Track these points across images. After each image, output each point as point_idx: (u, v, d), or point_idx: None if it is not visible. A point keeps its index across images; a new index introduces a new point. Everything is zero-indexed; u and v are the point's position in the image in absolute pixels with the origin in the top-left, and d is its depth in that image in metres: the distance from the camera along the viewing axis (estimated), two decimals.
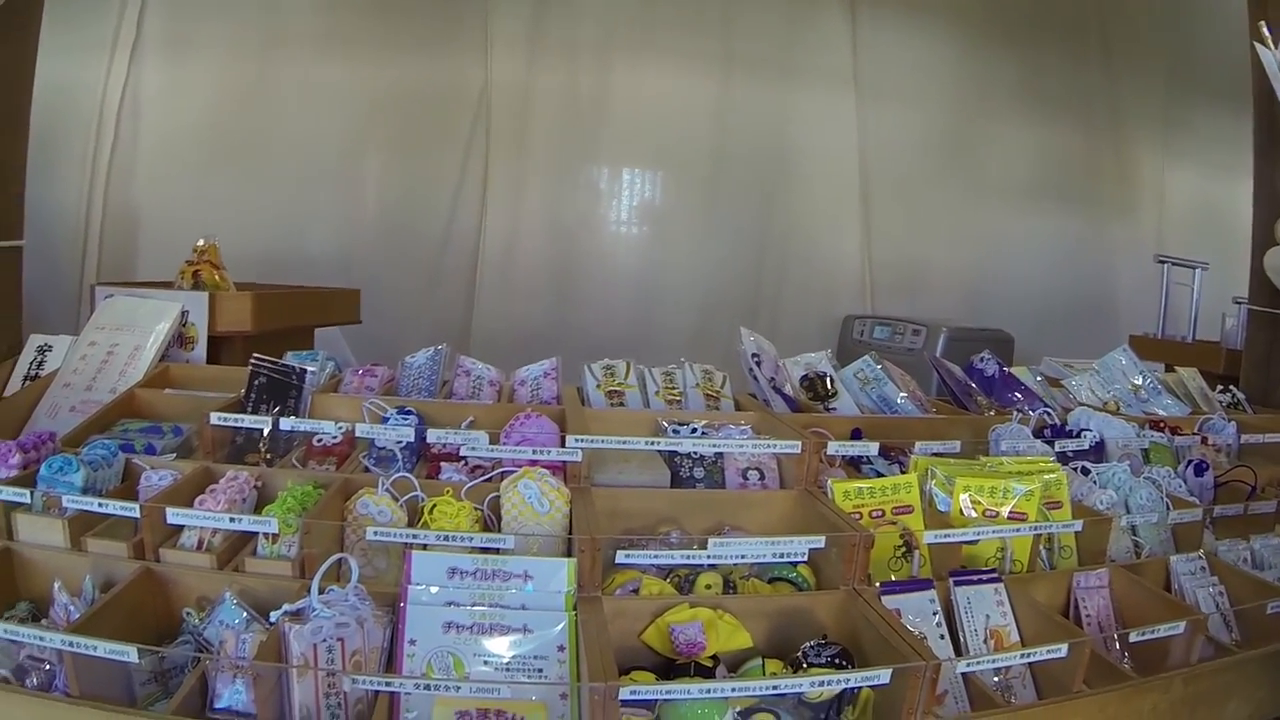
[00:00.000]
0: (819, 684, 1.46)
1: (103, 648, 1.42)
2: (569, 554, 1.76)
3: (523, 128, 5.44)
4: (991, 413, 2.69)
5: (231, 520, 1.76)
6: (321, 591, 1.50)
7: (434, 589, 1.59)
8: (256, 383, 2.27)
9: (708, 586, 1.82)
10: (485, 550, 1.73)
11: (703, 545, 1.76)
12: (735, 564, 1.84)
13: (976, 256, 5.77)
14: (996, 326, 4.99)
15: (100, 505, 1.79)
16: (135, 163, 4.90)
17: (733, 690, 1.46)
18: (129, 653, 1.41)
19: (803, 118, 5.54)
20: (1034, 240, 5.83)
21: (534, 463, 2.02)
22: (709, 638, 1.61)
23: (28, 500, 1.83)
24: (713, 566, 1.82)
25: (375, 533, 1.75)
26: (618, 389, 2.58)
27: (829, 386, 2.72)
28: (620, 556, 1.76)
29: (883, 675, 1.47)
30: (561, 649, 1.56)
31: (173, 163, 4.91)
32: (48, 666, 1.52)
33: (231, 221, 4.42)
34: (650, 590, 1.76)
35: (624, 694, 1.37)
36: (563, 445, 2.07)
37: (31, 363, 2.79)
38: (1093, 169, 5.93)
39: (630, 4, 5.35)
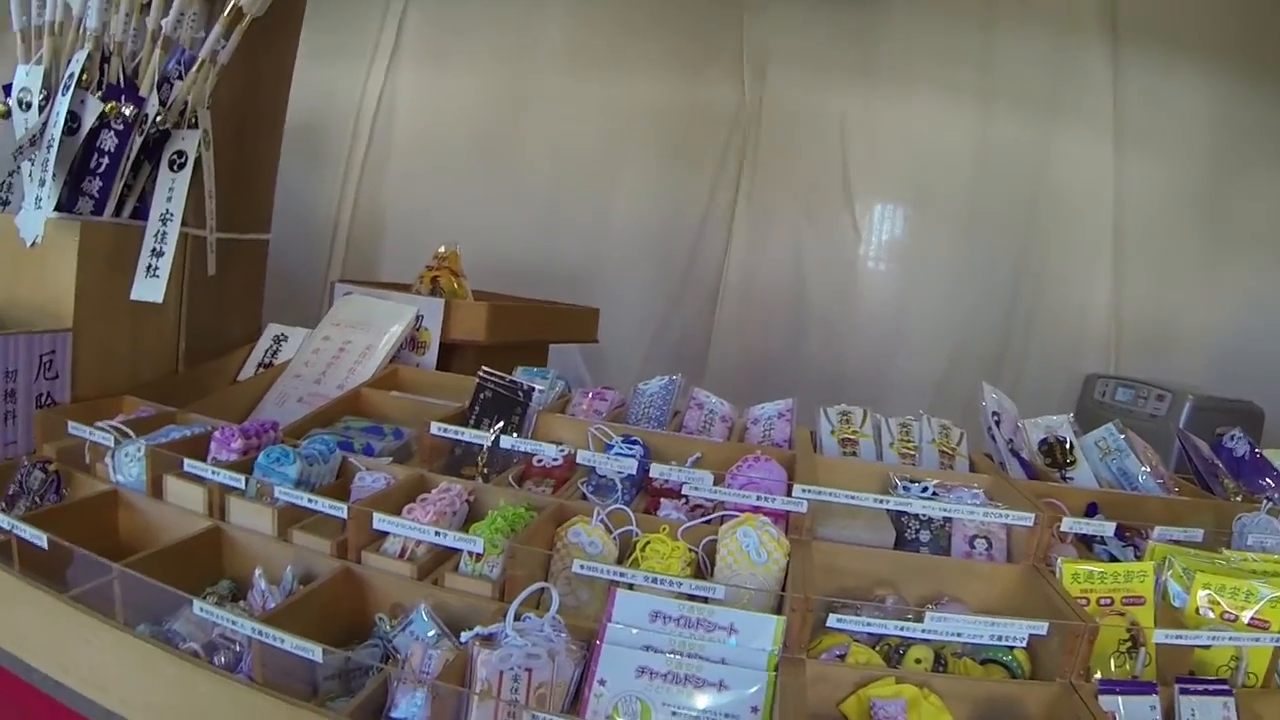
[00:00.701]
0: None
1: (290, 642, 1.38)
2: (779, 609, 1.64)
3: (775, 150, 5.30)
4: (1238, 498, 2.42)
5: (437, 535, 1.70)
6: (518, 618, 1.43)
7: (634, 630, 1.49)
8: (482, 396, 2.23)
9: (917, 661, 1.66)
10: (693, 597, 1.62)
11: (918, 617, 1.60)
12: (949, 641, 1.68)
13: (1230, 318, 5.23)
14: (1247, 397, 4.57)
15: (310, 501, 1.77)
16: (387, 167, 5.07)
17: None
18: (314, 651, 1.37)
19: (1059, 160, 5.18)
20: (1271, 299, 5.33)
21: (757, 509, 1.90)
22: (910, 718, 1.46)
23: (242, 486, 1.84)
24: (926, 640, 1.67)
25: (582, 566, 1.65)
26: (852, 437, 2.44)
27: (1068, 453, 2.52)
28: (832, 620, 1.62)
29: None
30: (755, 710, 1.44)
31: (423, 168, 5.05)
32: (237, 648, 1.50)
33: (478, 229, 4.54)
34: (857, 659, 1.62)
35: None
36: (789, 494, 1.94)
37: (267, 351, 2.87)
38: None
39: (890, 30, 5.15)
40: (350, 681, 1.52)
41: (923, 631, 1.59)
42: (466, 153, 5.02)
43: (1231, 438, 2.66)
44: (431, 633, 1.55)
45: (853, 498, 1.94)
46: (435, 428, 2.11)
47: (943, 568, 1.96)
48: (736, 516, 1.82)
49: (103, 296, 2.39)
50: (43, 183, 2.20)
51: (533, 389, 2.30)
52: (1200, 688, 1.59)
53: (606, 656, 1.46)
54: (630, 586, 1.63)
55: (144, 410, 2.31)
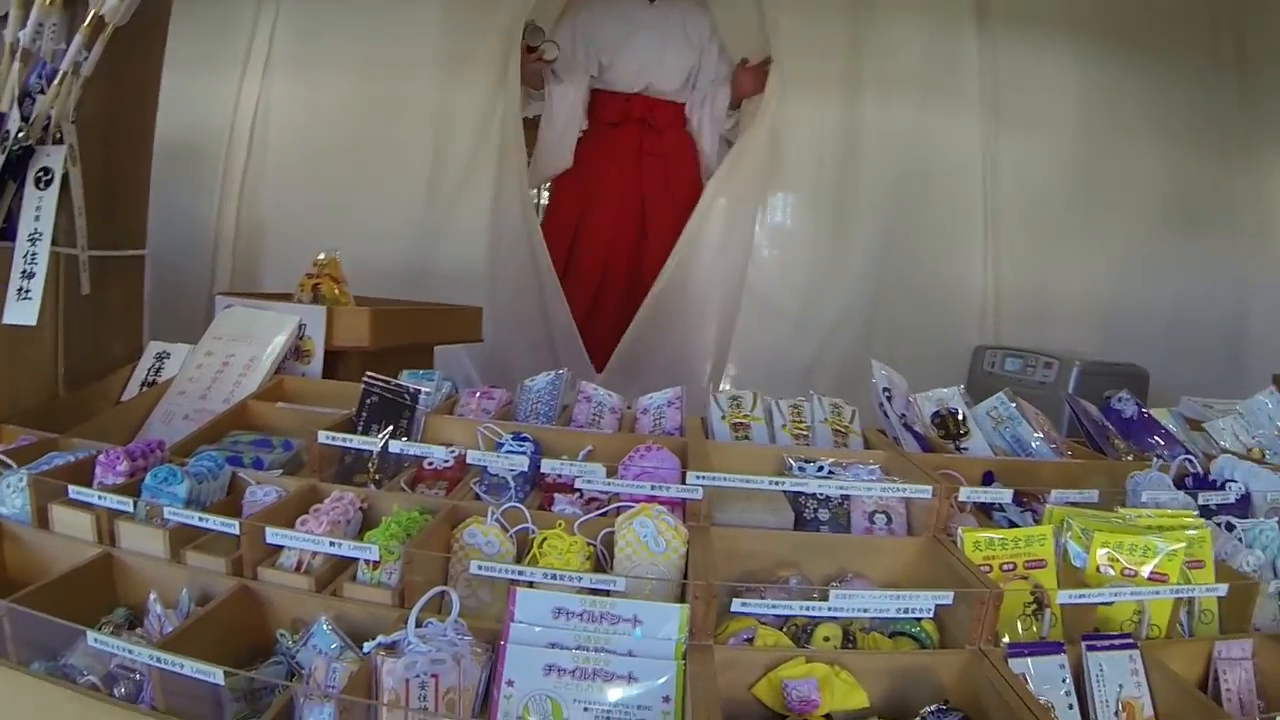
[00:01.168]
0: None
1: (190, 667, 1.37)
2: (683, 598, 1.67)
3: None
4: (1130, 458, 2.53)
5: (332, 545, 1.70)
6: (420, 624, 1.44)
7: (537, 629, 1.52)
8: (369, 402, 2.23)
9: (826, 639, 1.71)
10: (595, 591, 1.65)
11: (824, 595, 1.65)
12: (856, 617, 1.73)
13: (1107, 285, 5.35)
14: (1129, 360, 4.74)
15: (201, 520, 1.76)
16: (265, 177, 4.93)
17: None
18: (215, 674, 1.37)
19: (932, 140, 5.27)
20: (1166, 269, 5.38)
21: (652, 498, 1.93)
22: (824, 695, 1.50)
23: (130, 509, 1.82)
24: (833, 618, 1.71)
25: (480, 567, 1.67)
26: (744, 420, 2.49)
27: (961, 425, 2.60)
28: (736, 605, 1.65)
29: None
30: (667, 700, 1.47)
31: (303, 177, 4.93)
32: (137, 677, 1.48)
33: (360, 235, 4.51)
34: (765, 641, 1.66)
35: None
36: (683, 481, 1.97)
37: (150, 369, 2.82)
38: (1228, 194, 5.50)
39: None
40: (258, 701, 1.52)
41: (829, 610, 1.64)
42: (345, 159, 4.91)
43: (1119, 399, 2.77)
44: (334, 645, 1.56)
45: (748, 481, 1.99)
46: (323, 436, 2.10)
47: (844, 545, 2.00)
48: (632, 508, 1.85)
49: None
50: None
51: (419, 392, 2.31)
52: (1106, 644, 1.67)
53: (512, 657, 1.48)
54: (530, 584, 1.66)
55: (24, 438, 2.25)
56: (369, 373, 2.28)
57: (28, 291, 2.39)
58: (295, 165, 4.97)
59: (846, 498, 2.11)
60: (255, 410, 2.52)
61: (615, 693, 1.46)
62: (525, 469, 2.09)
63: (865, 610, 1.65)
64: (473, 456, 2.09)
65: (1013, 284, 5.35)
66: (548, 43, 4.87)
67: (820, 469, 2.16)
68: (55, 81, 2.40)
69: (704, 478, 1.96)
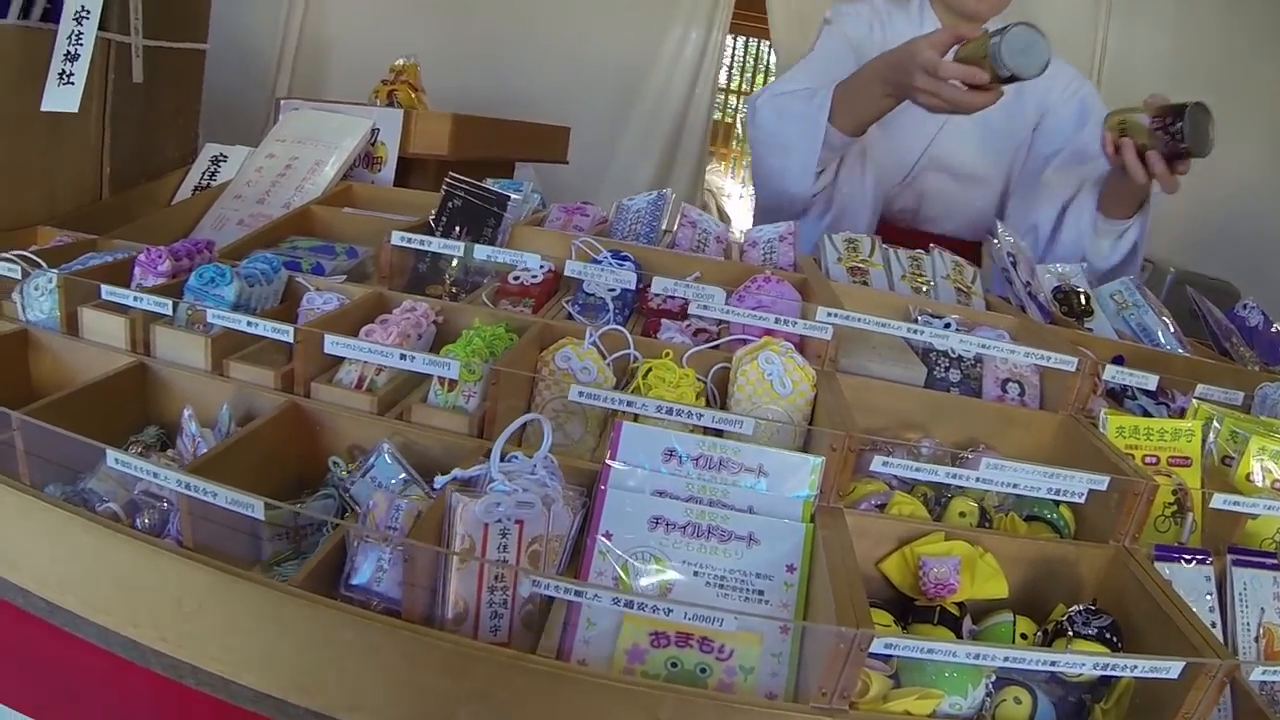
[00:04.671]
0: (1121, 668, 1.07)
1: (224, 496, 1.11)
2: (806, 447, 1.39)
3: None
4: (1255, 367, 2.20)
5: (402, 357, 1.40)
6: (504, 458, 1.16)
7: (642, 471, 1.23)
8: (450, 205, 1.92)
9: (962, 514, 1.42)
10: (707, 431, 1.37)
11: (956, 460, 1.39)
12: (997, 491, 1.43)
13: (1211, 199, 4.97)
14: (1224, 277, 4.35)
15: (250, 324, 1.48)
16: None
17: (1005, 659, 1.06)
18: (254, 506, 1.10)
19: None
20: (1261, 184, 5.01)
21: (770, 333, 1.64)
22: (963, 580, 1.23)
23: (169, 312, 1.55)
24: (976, 490, 1.41)
25: (581, 392, 1.37)
26: (861, 265, 2.18)
27: (1085, 304, 2.27)
28: (877, 464, 1.35)
29: (1172, 669, 1.05)
30: (791, 569, 1.20)
31: None
32: (165, 505, 1.24)
33: (433, 59, 4.22)
34: (901, 509, 1.38)
35: (877, 646, 0.99)
36: (808, 318, 1.67)
37: (204, 173, 2.54)
38: None
39: None
40: (302, 540, 1.27)
41: (977, 480, 1.35)
42: None
43: (1245, 307, 2.45)
44: (398, 478, 1.28)
45: (883, 325, 1.68)
46: (397, 238, 1.80)
47: (976, 411, 1.69)
48: (748, 342, 1.57)
49: (9, 114, 2.08)
50: None
51: (508, 197, 1.99)
52: (1254, 560, 1.39)
53: (612, 504, 1.20)
54: (636, 418, 1.37)
55: (60, 239, 1.99)
56: (452, 173, 1.97)
57: (70, 76, 2.09)
58: None
59: (979, 361, 1.82)
60: (319, 216, 2.23)
61: (732, 556, 1.19)
62: (630, 286, 1.79)
63: (1015, 486, 1.36)
64: (570, 269, 1.79)
65: None
66: None
67: (947, 325, 1.87)
68: None
69: (836, 315, 1.65)
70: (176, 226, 2.27)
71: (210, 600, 1.08)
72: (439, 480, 1.16)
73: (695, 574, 1.18)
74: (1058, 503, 1.47)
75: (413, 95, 2.87)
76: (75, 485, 1.28)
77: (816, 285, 1.88)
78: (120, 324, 1.57)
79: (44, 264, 1.71)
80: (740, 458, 1.25)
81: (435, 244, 1.81)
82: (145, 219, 2.25)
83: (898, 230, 2.96)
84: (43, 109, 2.07)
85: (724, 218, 8.83)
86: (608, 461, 1.24)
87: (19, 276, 1.68)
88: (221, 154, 2.57)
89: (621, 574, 1.17)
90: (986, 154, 2.82)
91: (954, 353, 1.81)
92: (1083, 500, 1.38)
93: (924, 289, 2.16)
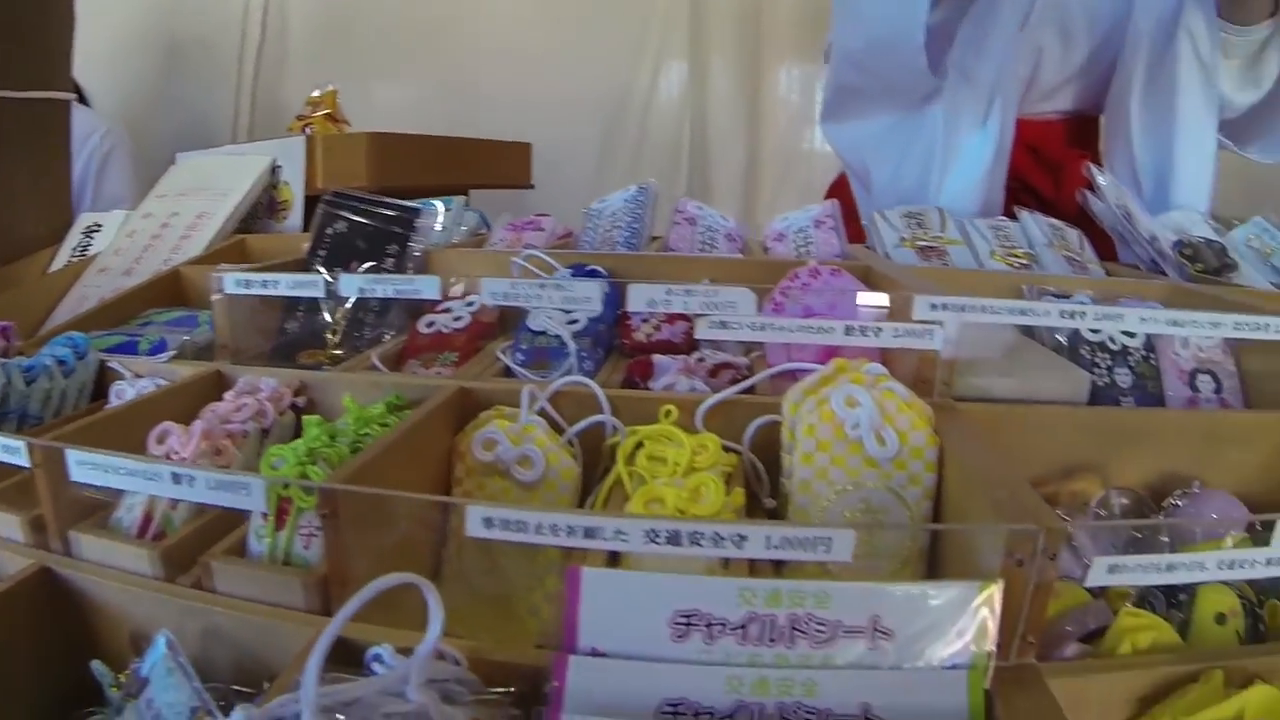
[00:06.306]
0: None
1: None
2: (934, 558, 0.80)
3: None
4: None
5: (177, 480, 0.76)
6: (356, 663, 0.58)
7: (628, 665, 0.60)
8: (329, 231, 1.36)
9: (1220, 617, 0.77)
10: (761, 562, 0.73)
11: (1162, 509, 0.86)
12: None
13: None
14: None
15: None
16: (286, 62, 4.20)
17: None
18: None
19: None
20: None
21: (833, 352, 1.00)
22: None
23: None
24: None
25: (490, 519, 0.69)
26: (934, 244, 1.64)
27: (1224, 255, 1.66)
28: (1097, 573, 0.70)
29: None
30: None
31: (328, 52, 4.19)
32: None
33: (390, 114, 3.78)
34: (1135, 640, 0.72)
35: None
36: (898, 317, 1.02)
37: (75, 248, 2.00)
38: None
39: None
40: None
41: (1264, 562, 0.71)
42: (375, 30, 4.16)
43: None
44: (180, 702, 0.68)
45: (1026, 312, 1.04)
46: (229, 283, 1.21)
47: (1164, 428, 1.03)
48: (804, 374, 0.94)
49: None
50: None
51: (417, 212, 1.41)
52: None
53: None
54: (614, 559, 0.76)
55: None
56: (335, 190, 1.40)
57: None
58: (319, 42, 4.20)
59: (1151, 350, 1.22)
60: (189, 279, 1.65)
61: None
62: (597, 309, 1.14)
63: None
64: (489, 290, 1.10)
65: None
66: None
67: (1085, 302, 1.29)
68: None
69: (949, 305, 0.99)
70: (34, 309, 1.72)
71: None
72: (236, 714, 0.56)
73: None
74: None
75: (332, 128, 2.31)
76: None
77: (889, 273, 1.30)
78: None
79: None
80: (833, 610, 0.60)
81: (284, 282, 1.18)
82: None
83: None
84: None
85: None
86: (559, 653, 0.61)
87: None
88: (95, 223, 2.03)
89: None
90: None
91: (1114, 342, 1.22)
92: None
93: (1023, 264, 1.61)
